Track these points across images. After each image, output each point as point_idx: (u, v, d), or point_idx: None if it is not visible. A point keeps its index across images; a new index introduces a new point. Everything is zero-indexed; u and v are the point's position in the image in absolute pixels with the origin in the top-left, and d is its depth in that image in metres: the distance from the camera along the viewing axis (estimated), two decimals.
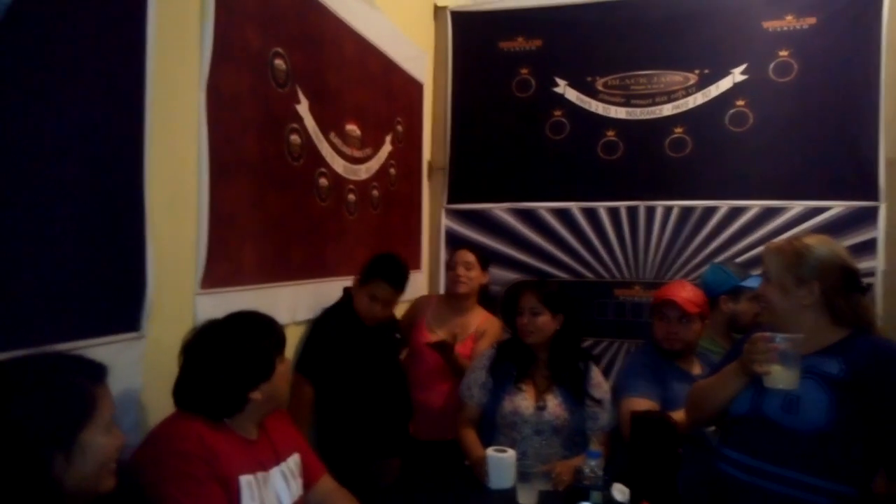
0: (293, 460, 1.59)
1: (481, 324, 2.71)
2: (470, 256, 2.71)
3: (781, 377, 1.50)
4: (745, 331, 2.47)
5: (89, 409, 1.04)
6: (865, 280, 2.92)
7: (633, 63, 3.44)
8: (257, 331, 1.51)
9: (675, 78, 3.39)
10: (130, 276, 1.51)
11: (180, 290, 1.71)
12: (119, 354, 1.43)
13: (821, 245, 1.60)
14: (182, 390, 1.44)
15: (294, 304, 2.26)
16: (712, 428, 1.94)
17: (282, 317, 2.11)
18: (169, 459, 1.32)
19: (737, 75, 3.30)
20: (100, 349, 1.34)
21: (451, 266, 2.73)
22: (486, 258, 2.82)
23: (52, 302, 1.30)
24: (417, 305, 2.87)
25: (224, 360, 1.42)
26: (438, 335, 2.67)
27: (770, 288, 1.63)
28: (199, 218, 1.76)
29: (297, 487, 1.56)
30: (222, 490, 1.35)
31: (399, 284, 2.32)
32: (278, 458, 1.53)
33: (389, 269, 2.31)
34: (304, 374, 2.20)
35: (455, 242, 3.50)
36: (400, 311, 2.76)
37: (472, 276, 2.69)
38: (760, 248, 3.13)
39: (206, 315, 1.69)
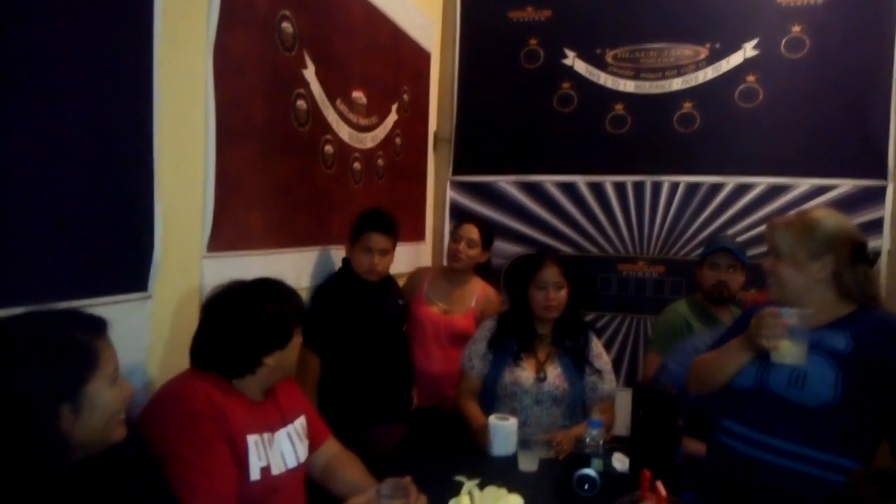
0: (299, 423, 1.60)
1: (479, 298, 2.73)
2: (475, 234, 2.69)
3: (789, 352, 1.49)
4: (710, 297, 2.49)
5: (92, 362, 1.04)
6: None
7: (643, 35, 3.40)
8: (283, 298, 1.52)
9: (685, 51, 3.35)
10: (138, 236, 1.51)
11: (187, 252, 1.71)
12: (127, 314, 1.44)
13: (829, 217, 1.58)
14: (200, 345, 1.46)
15: (298, 270, 2.27)
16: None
17: (285, 281, 2.12)
18: (179, 418, 1.34)
19: (748, 50, 3.26)
20: (109, 308, 1.35)
21: (454, 238, 2.72)
22: (491, 236, 2.80)
23: (63, 261, 1.31)
24: (414, 278, 2.88)
25: (248, 319, 1.44)
26: (438, 306, 2.69)
27: (781, 264, 1.59)
28: (205, 181, 1.76)
29: (303, 449, 1.58)
30: (230, 449, 1.37)
31: (388, 229, 2.31)
32: (285, 421, 1.55)
33: (375, 218, 2.33)
34: (309, 346, 2.21)
35: (459, 215, 3.49)
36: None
37: (473, 254, 2.69)
38: (765, 226, 3.17)
39: (212, 278, 1.70)
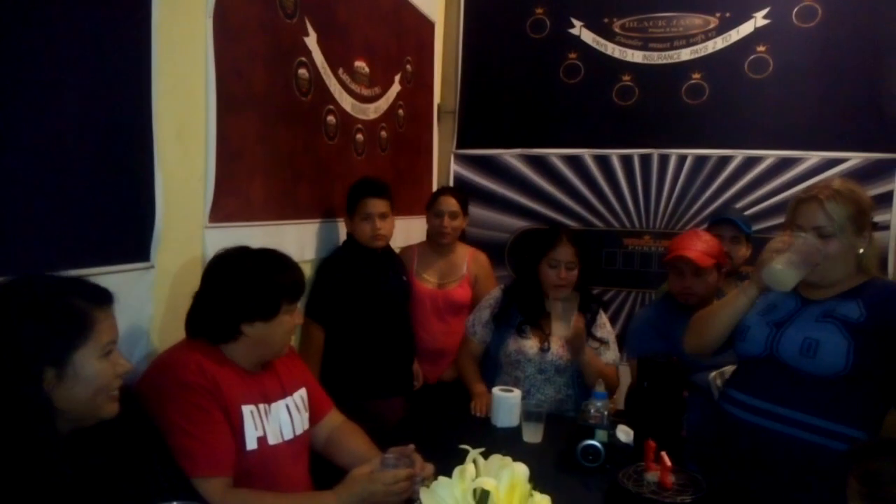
0: (299, 395, 1.59)
1: (470, 264, 2.74)
2: (455, 205, 2.67)
3: (779, 273, 1.48)
4: None
5: (84, 330, 1.02)
6: (880, 234, 2.92)
7: (651, 5, 3.33)
8: (272, 268, 1.45)
9: (695, 21, 3.28)
10: (140, 206, 1.49)
11: (189, 222, 1.69)
12: (130, 283, 1.43)
13: (859, 188, 1.54)
14: (191, 309, 1.45)
15: (301, 242, 2.26)
16: (714, 374, 1.94)
17: (289, 255, 2.11)
18: (172, 389, 1.33)
19: (759, 19, 3.19)
20: (111, 277, 1.34)
21: (435, 213, 2.68)
22: (467, 202, 2.78)
23: (64, 230, 1.30)
24: (402, 257, 2.82)
25: (230, 283, 1.41)
26: (431, 281, 2.70)
27: (836, 242, 1.50)
28: (207, 150, 1.73)
29: (302, 421, 1.57)
30: (225, 418, 1.37)
31: (382, 193, 2.31)
32: (284, 393, 1.54)
33: (367, 185, 2.33)
34: (313, 318, 2.22)
35: (464, 188, 3.45)
36: None
37: (457, 225, 2.69)
38: (775, 199, 3.14)
39: (214, 248, 1.66)
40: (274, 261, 1.48)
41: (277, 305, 1.43)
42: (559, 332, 2.01)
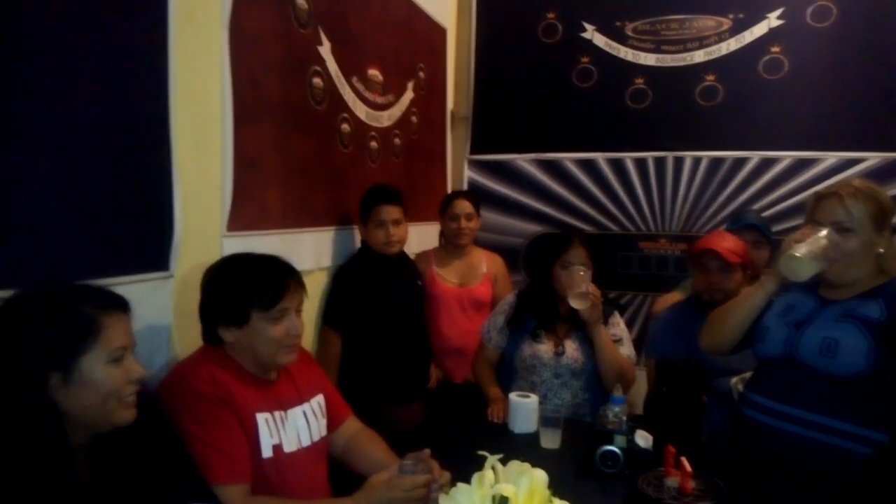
0: (316, 401, 1.59)
1: (489, 265, 2.78)
2: (469, 207, 2.72)
3: (796, 262, 1.47)
4: None
5: (90, 335, 1.02)
6: None
7: (664, 7, 3.32)
8: (246, 273, 1.41)
9: (707, 23, 3.27)
10: (158, 215, 1.51)
11: (208, 232, 1.71)
12: (150, 293, 1.45)
13: (880, 188, 1.54)
14: None
15: (318, 250, 2.27)
16: (735, 379, 1.93)
17: (306, 263, 2.13)
18: (187, 398, 1.34)
19: (773, 20, 3.17)
20: (131, 287, 1.35)
21: (450, 216, 2.72)
22: (479, 202, 2.82)
23: (83, 241, 1.31)
24: (420, 263, 2.82)
25: (208, 285, 1.43)
26: (452, 282, 2.71)
27: (855, 239, 1.49)
28: (224, 160, 1.75)
29: (319, 427, 1.57)
30: (240, 426, 1.37)
31: (395, 199, 2.33)
32: (301, 399, 1.54)
33: (380, 192, 2.35)
34: (330, 325, 2.23)
35: (477, 193, 3.46)
36: None
37: (473, 226, 2.74)
38: (793, 201, 3.11)
39: None
40: (255, 266, 1.43)
41: (246, 312, 1.38)
42: (576, 298, 1.99)
